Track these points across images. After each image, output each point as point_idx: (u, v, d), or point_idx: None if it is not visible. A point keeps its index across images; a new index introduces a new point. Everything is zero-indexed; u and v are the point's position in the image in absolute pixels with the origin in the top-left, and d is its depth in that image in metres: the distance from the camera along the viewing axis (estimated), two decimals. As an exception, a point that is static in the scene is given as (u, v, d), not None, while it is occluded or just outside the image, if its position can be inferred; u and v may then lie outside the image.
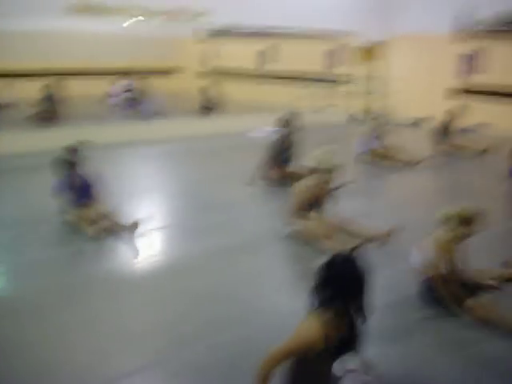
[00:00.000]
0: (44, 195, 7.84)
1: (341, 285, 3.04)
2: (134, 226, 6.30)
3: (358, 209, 7.35)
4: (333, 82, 17.17)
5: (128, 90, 17.78)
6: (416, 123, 15.72)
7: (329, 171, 6.14)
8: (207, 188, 8.68)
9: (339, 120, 16.13)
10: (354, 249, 5.49)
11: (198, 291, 4.94)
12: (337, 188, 7.94)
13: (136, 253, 5.87)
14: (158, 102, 15.79)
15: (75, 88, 18.95)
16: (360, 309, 3.06)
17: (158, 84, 18.89)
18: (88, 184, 6.66)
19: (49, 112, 14.33)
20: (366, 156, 10.68)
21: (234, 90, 19.59)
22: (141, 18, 12.02)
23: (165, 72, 23.05)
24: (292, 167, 8.87)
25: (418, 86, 16.07)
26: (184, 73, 23.35)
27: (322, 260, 3.16)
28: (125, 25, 12.76)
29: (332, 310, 3.02)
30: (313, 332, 2.95)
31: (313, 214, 6.24)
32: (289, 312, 4.36)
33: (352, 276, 3.05)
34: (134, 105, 16.66)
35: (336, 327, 3.01)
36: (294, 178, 7.70)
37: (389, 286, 5.00)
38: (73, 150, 6.70)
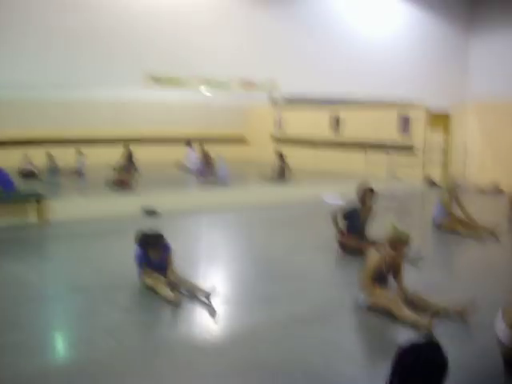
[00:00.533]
0: (121, 260, 7.99)
1: (428, 375, 2.81)
2: (212, 291, 6.25)
3: (432, 280, 7.13)
4: (407, 149, 16.93)
5: (202, 158, 18.11)
6: (495, 190, 15.25)
7: (403, 241, 6.00)
8: (280, 255, 8.61)
9: (415, 187, 15.83)
10: (430, 324, 5.28)
11: (267, 360, 4.81)
12: (413, 258, 7.71)
13: (209, 320, 5.82)
14: (230, 170, 15.95)
15: (150, 154, 19.57)
16: None
17: (230, 151, 19.22)
18: (167, 252, 6.74)
19: (125, 178, 14.70)
20: (444, 223, 10.31)
21: (306, 158, 19.67)
22: (211, 88, 12.30)
23: (236, 139, 23.46)
24: (367, 236, 8.65)
25: (496, 152, 15.65)
26: (255, 140, 23.69)
27: (402, 344, 2.94)
28: (198, 93, 13.06)
29: None
30: None
31: (387, 284, 6.10)
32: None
33: (438, 366, 2.83)
34: (208, 172, 16.91)
35: None
36: (369, 247, 7.49)
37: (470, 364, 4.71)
38: (157, 236, 6.78)
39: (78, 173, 16.87)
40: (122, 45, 11.26)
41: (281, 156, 17.10)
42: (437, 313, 5.66)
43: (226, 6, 12.52)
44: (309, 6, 13.73)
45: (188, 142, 19.48)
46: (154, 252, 6.67)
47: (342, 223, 8.75)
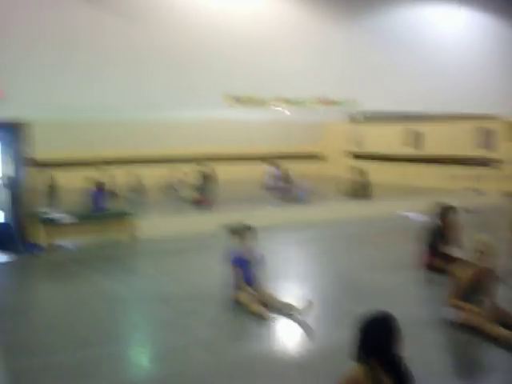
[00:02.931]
0: (206, 274, 8.25)
1: (369, 340, 3.43)
2: (305, 308, 6.37)
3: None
4: (488, 162, 16.56)
5: (281, 175, 18.27)
6: None
7: (490, 257, 5.95)
8: (361, 272, 8.64)
9: (497, 201, 15.44)
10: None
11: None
12: (503, 274, 7.54)
13: (300, 335, 5.96)
14: (308, 186, 16.04)
15: (229, 172, 19.91)
16: (388, 365, 3.39)
17: (307, 168, 19.30)
18: (256, 263, 6.95)
19: (205, 196, 15.04)
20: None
21: (384, 173, 19.51)
22: (290, 107, 12.51)
23: (313, 156, 23.52)
24: (450, 253, 8.51)
25: None
26: (332, 157, 23.68)
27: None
28: (277, 112, 13.28)
29: (368, 363, 3.37)
30: (352, 376, 3.38)
31: (476, 301, 6.02)
32: None
33: (380, 333, 3.42)
34: (287, 189, 17.04)
35: (372, 379, 3.34)
36: (452, 264, 7.41)
37: None
38: (246, 227, 7.00)
39: (175, 190, 17.40)
40: (203, 66, 11.62)
41: (361, 172, 17.02)
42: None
43: (305, 25, 12.70)
44: (385, 21, 13.73)
45: (270, 161, 19.65)
46: (247, 251, 6.87)
47: (423, 240, 8.68)
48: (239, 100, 11.98)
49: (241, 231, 6.97)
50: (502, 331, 5.52)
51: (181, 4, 11.50)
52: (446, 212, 8.64)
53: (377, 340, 3.45)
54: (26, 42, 10.18)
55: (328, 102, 12.93)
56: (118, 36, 10.94)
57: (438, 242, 8.53)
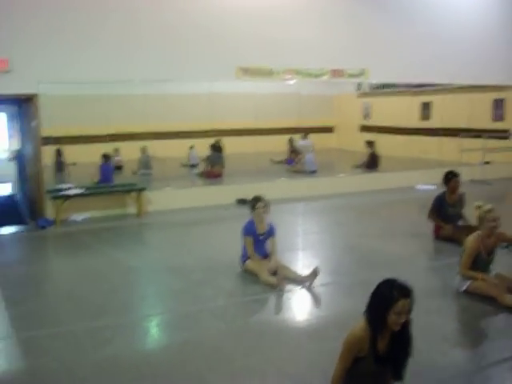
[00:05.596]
0: (218, 245, 8.29)
1: (369, 301, 3.57)
2: (314, 275, 6.42)
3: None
4: (502, 133, 16.39)
5: (289, 147, 18.23)
6: None
7: (496, 224, 5.95)
8: (372, 243, 8.62)
9: (508, 173, 15.33)
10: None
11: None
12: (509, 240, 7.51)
13: (312, 304, 6.02)
14: (319, 158, 15.99)
15: (240, 146, 19.87)
16: (374, 329, 3.48)
17: (317, 140, 19.17)
18: (268, 233, 6.96)
19: (215, 169, 15.01)
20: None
21: (396, 145, 19.37)
22: (301, 78, 12.45)
23: (324, 129, 23.38)
24: (459, 222, 8.49)
25: None
26: (343, 129, 23.53)
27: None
28: (289, 83, 13.22)
29: (371, 323, 3.51)
30: (356, 330, 3.53)
31: (488, 269, 6.06)
32: (468, 369, 4.34)
33: (377, 296, 3.51)
34: (295, 161, 17.00)
35: (370, 339, 3.49)
36: (463, 233, 7.39)
37: None
38: (258, 198, 6.99)
39: (191, 165, 17.39)
40: (214, 39, 11.63)
41: (370, 143, 16.93)
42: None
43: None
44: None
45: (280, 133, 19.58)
46: (260, 225, 6.89)
47: (433, 210, 8.64)
48: (248, 71, 11.92)
49: (252, 203, 6.95)
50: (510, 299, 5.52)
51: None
52: (447, 178, 8.58)
53: (372, 302, 3.54)
54: (45, 15, 10.19)
55: (339, 74, 12.82)
56: (135, 13, 10.94)
57: (444, 210, 8.48)
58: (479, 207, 6.08)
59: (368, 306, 3.56)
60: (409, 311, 3.45)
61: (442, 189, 8.73)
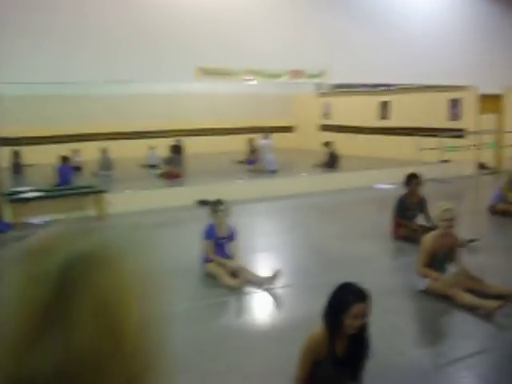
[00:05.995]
0: (179, 248, 8.23)
1: (327, 305, 3.57)
2: (274, 277, 6.43)
3: (486, 264, 7.04)
4: (458, 132, 16.70)
5: (249, 147, 18.27)
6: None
7: (454, 224, 6.05)
8: (333, 243, 8.70)
9: (466, 171, 15.64)
10: (495, 308, 5.21)
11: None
12: (467, 242, 7.67)
13: (272, 306, 6.04)
14: (279, 158, 16.04)
15: (201, 146, 19.83)
16: (331, 332, 3.49)
17: (277, 140, 19.27)
18: (229, 237, 6.95)
19: (175, 170, 14.95)
20: (498, 207, 10.17)
21: (356, 144, 19.58)
22: (260, 79, 12.49)
23: (284, 128, 23.49)
24: (418, 222, 8.62)
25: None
26: (303, 129, 23.68)
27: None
28: (247, 84, 13.24)
29: (328, 327, 3.52)
30: (313, 335, 3.57)
31: (444, 269, 6.14)
32: (426, 369, 4.35)
33: (333, 300, 3.53)
34: (255, 161, 17.03)
35: (328, 342, 3.50)
36: (422, 232, 7.52)
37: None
38: (218, 202, 6.96)
39: (149, 165, 17.27)
40: (174, 40, 11.56)
41: (328, 144, 17.12)
42: (508, 297, 5.60)
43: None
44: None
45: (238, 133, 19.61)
46: (221, 228, 6.87)
47: (393, 211, 8.76)
48: (207, 72, 11.89)
49: (212, 206, 6.93)
50: (470, 298, 5.60)
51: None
52: (409, 180, 8.71)
53: (333, 306, 3.54)
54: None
55: (299, 74, 12.88)
56: (89, 11, 10.80)
57: (405, 211, 8.60)
58: (440, 207, 6.19)
59: (325, 310, 3.58)
60: (365, 315, 3.49)
61: (404, 190, 8.84)
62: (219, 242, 6.88)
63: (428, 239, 6.14)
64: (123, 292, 0.93)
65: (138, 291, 0.95)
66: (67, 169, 13.31)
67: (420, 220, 8.64)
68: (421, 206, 8.63)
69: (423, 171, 13.72)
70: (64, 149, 16.25)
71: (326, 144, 17.16)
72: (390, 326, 5.27)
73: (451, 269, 6.20)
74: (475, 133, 15.90)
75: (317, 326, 3.62)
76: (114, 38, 11.04)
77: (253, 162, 17.25)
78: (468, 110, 17.00)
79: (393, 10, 14.25)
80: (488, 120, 16.50)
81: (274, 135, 19.18)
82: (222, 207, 6.87)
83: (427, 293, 6.04)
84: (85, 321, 0.85)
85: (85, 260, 0.89)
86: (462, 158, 16.07)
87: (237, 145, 19.60)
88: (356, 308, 3.42)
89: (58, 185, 12.38)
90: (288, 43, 12.74)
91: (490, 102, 16.60)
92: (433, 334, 5.38)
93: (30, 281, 0.90)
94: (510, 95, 16.78)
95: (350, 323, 3.44)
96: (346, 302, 3.44)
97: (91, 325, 0.85)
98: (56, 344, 0.87)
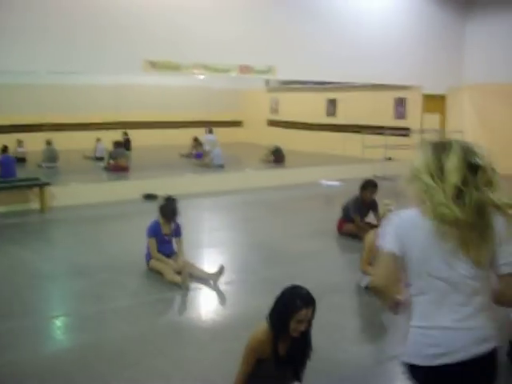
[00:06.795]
0: (124, 243, 8.15)
1: (273, 307, 3.58)
2: (219, 273, 6.44)
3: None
4: (402, 130, 17.02)
5: (193, 141, 18.23)
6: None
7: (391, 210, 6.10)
8: (279, 239, 8.75)
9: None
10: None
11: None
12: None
13: (215, 302, 6.05)
14: (226, 152, 16.04)
15: (147, 138, 19.64)
16: (276, 333, 3.51)
17: (226, 134, 19.28)
18: (177, 233, 6.93)
19: (122, 163, 14.77)
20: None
21: (302, 141, 19.73)
22: (208, 73, 12.50)
23: (233, 123, 23.50)
24: (364, 220, 8.72)
25: (491, 134, 15.73)
26: (251, 124, 23.72)
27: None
28: (195, 78, 13.19)
29: (272, 327, 3.53)
30: (258, 333, 3.58)
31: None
32: (370, 363, 4.49)
33: (280, 303, 3.53)
34: (202, 155, 17.01)
35: (271, 343, 3.53)
36: (365, 229, 7.66)
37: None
38: (172, 200, 6.89)
39: (96, 158, 16.98)
40: (122, 31, 11.38)
41: (274, 140, 17.29)
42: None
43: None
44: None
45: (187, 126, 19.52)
46: (166, 226, 6.81)
47: (342, 208, 8.85)
48: (155, 65, 11.78)
49: (162, 204, 6.88)
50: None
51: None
52: (367, 186, 8.72)
53: (274, 309, 3.56)
54: None
55: (247, 70, 12.89)
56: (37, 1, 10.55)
57: (354, 211, 8.66)
58: (386, 204, 6.30)
59: (271, 311, 3.59)
60: (310, 320, 3.52)
61: (359, 192, 8.72)
62: (165, 239, 6.84)
63: (371, 236, 6.22)
64: None
65: None
66: (9, 160, 12.96)
67: (369, 219, 8.73)
68: (372, 206, 8.69)
69: (366, 168, 14.00)
70: (8, 139, 15.85)
71: (272, 141, 17.32)
72: (333, 323, 5.34)
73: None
74: (419, 132, 16.24)
75: (260, 325, 3.64)
76: (59, 27, 10.79)
77: (200, 156, 17.21)
78: (413, 109, 17.35)
79: (343, 9, 14.39)
80: (431, 119, 16.87)
81: (224, 129, 19.19)
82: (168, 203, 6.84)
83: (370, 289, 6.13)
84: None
85: None
86: (406, 157, 16.36)
87: (185, 138, 19.47)
88: (303, 313, 3.43)
89: (1, 176, 12.05)
90: (237, 38, 12.72)
91: (434, 102, 16.99)
92: (374, 330, 5.47)
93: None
94: (452, 95, 17.19)
95: (294, 327, 3.45)
96: (293, 306, 3.44)
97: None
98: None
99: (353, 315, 5.86)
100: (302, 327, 3.46)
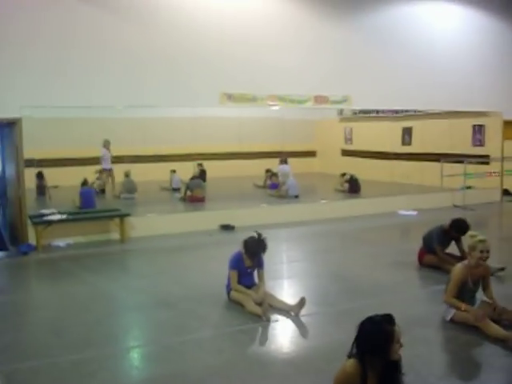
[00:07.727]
0: (203, 273, 8.20)
1: (361, 342, 3.54)
2: (300, 304, 6.38)
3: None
4: (482, 158, 16.56)
5: (271, 173, 18.27)
6: None
7: (482, 245, 5.94)
8: (357, 270, 8.62)
9: (491, 197, 15.50)
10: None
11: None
12: (496, 270, 7.56)
13: (298, 334, 5.96)
14: (301, 182, 16.02)
15: (223, 170, 19.86)
16: (375, 367, 3.48)
17: (300, 164, 19.26)
18: (259, 265, 6.89)
19: (198, 194, 14.95)
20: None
21: (378, 170, 19.48)
22: (284, 104, 12.58)
23: (306, 153, 23.47)
24: (447, 252, 8.44)
25: None
26: (326, 154, 23.63)
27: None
28: (271, 110, 13.32)
29: (360, 361, 3.50)
30: (346, 367, 3.54)
31: (474, 299, 6.07)
32: None
33: (370, 337, 3.49)
34: (277, 186, 17.01)
35: (360, 377, 3.49)
36: (451, 261, 7.45)
37: None
38: (262, 240, 6.81)
39: (173, 189, 17.34)
40: (199, 65, 11.74)
41: (344, 174, 17.18)
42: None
43: (299, 23, 12.77)
44: (379, 19, 13.76)
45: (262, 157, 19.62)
46: (248, 259, 6.79)
47: (424, 239, 8.62)
48: (231, 97, 11.97)
49: (256, 242, 6.80)
50: (499, 330, 5.50)
51: (178, 2, 11.51)
52: (459, 229, 8.17)
53: (370, 341, 3.52)
54: (23, 41, 10.16)
55: (323, 100, 12.92)
56: (115, 35, 10.99)
57: (437, 242, 8.34)
58: (473, 236, 6.10)
59: (359, 344, 3.56)
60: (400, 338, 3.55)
61: (442, 225, 8.42)
62: (247, 271, 6.85)
63: (459, 269, 6.03)
64: None
65: None
66: (89, 192, 13.37)
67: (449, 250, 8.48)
68: (456, 238, 8.30)
69: (445, 197, 13.65)
70: (88, 171, 16.35)
71: (343, 175, 17.26)
72: (418, 357, 5.18)
73: (482, 298, 6.12)
74: (500, 159, 15.77)
75: (347, 363, 3.59)
76: (139, 62, 11.19)
77: (275, 187, 17.23)
78: (492, 136, 16.87)
79: (416, 37, 14.27)
80: (512, 146, 16.37)
81: (298, 160, 19.18)
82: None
83: (455, 323, 5.94)
84: None
85: None
86: (486, 185, 15.92)
87: (259, 169, 19.56)
88: (397, 332, 3.50)
89: (82, 207, 12.43)
90: (312, 69, 12.81)
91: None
92: (461, 365, 5.26)
93: None
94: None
95: (396, 349, 3.50)
96: (386, 329, 3.48)
97: None
98: None
99: (438, 349, 5.65)
100: (398, 347, 3.51)
